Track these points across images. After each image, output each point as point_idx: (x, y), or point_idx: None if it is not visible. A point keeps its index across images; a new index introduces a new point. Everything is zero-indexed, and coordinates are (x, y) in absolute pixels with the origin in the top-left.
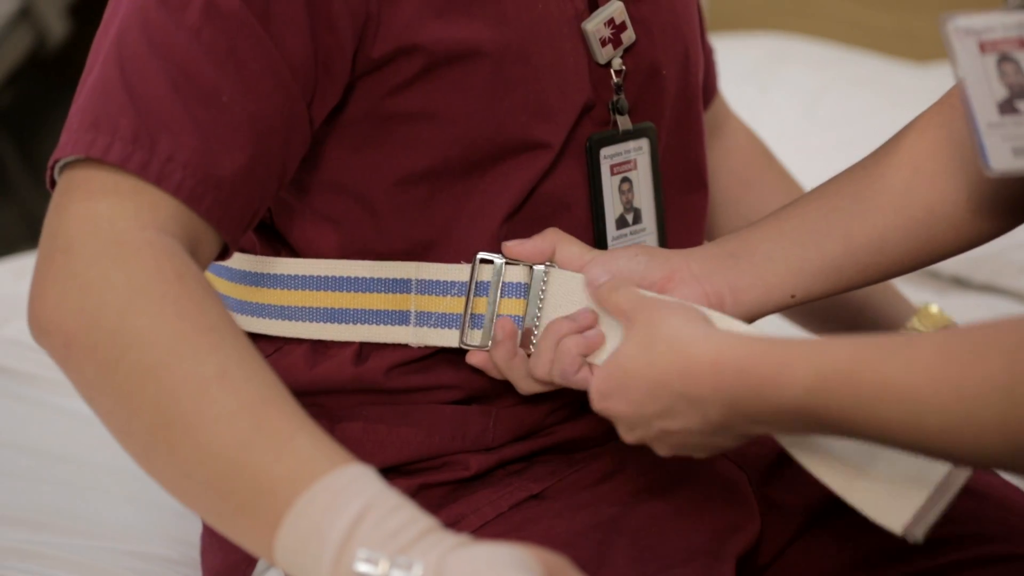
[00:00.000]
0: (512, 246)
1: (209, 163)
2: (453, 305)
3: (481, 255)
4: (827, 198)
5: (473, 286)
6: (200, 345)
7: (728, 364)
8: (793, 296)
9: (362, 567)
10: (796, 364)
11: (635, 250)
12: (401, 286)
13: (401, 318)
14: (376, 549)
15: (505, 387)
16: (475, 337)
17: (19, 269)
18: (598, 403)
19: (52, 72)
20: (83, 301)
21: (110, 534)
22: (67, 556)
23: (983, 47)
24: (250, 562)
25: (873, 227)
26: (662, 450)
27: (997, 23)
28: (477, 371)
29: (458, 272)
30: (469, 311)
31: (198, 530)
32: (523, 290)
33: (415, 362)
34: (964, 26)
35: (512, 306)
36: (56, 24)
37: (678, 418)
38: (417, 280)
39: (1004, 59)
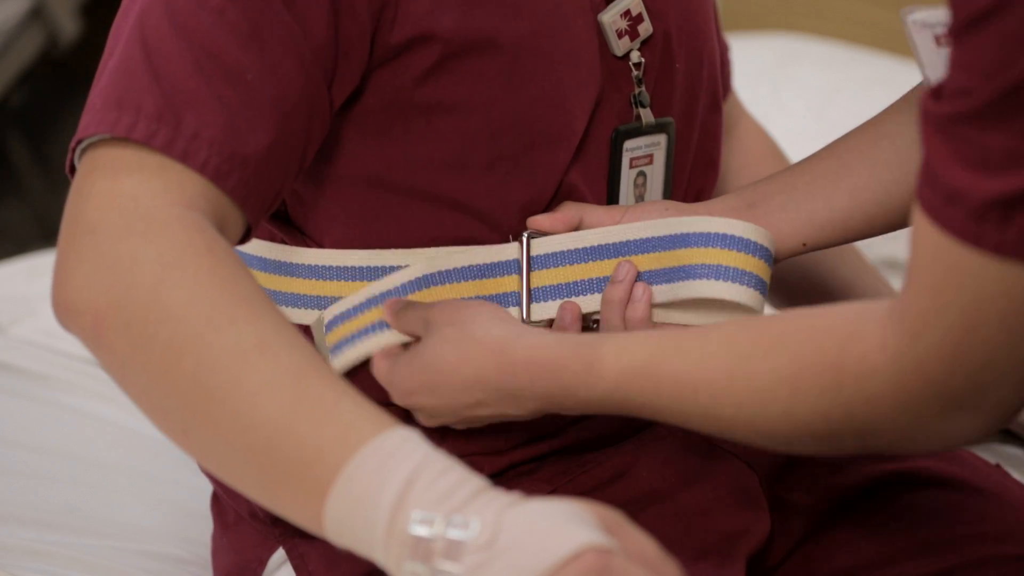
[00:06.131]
0: (540, 219)
1: (234, 142)
2: (501, 285)
3: (528, 232)
4: (837, 155)
5: (526, 262)
6: (237, 315)
7: (542, 363)
8: (804, 244)
9: (418, 529)
10: (602, 363)
11: (663, 204)
12: (443, 279)
13: None
14: (430, 510)
15: None
16: (546, 310)
17: (31, 269)
18: (402, 399)
19: (64, 72)
20: (113, 279)
21: (121, 534)
22: (78, 556)
23: (937, 40)
24: (261, 561)
25: (878, 182)
26: (460, 426)
27: (946, 19)
28: None
29: (500, 252)
30: (527, 287)
31: (209, 530)
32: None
33: None
34: (921, 20)
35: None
36: (68, 24)
37: (491, 407)
38: (464, 267)
39: None
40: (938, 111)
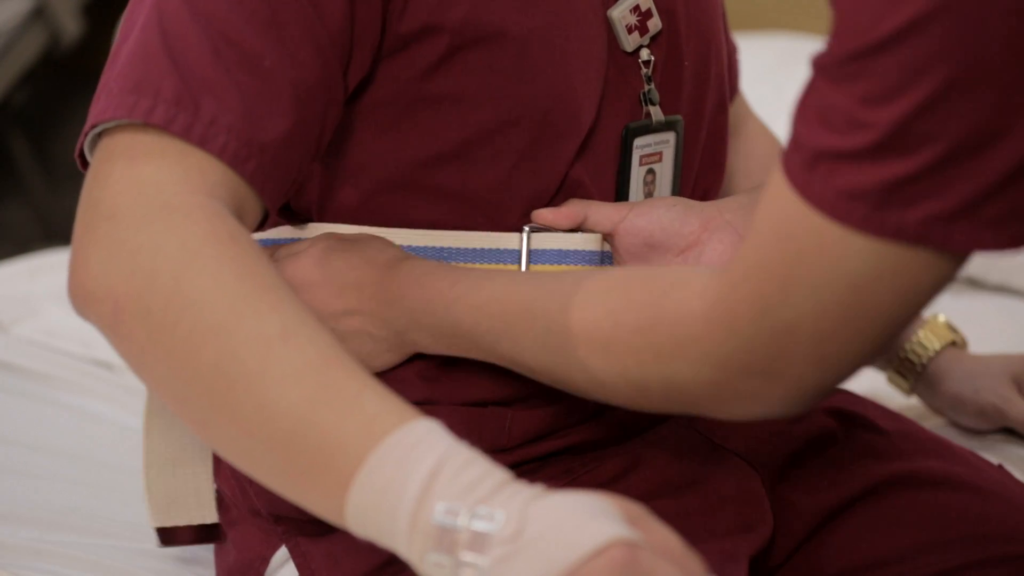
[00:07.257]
0: (544, 213)
1: (252, 127)
2: None
3: (529, 226)
4: None
5: (526, 255)
6: (261, 304)
7: (416, 273)
8: None
9: (442, 520)
10: (467, 281)
11: (671, 200)
12: (438, 255)
13: None
14: (455, 502)
15: (522, 390)
16: None
17: (32, 268)
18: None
19: (66, 72)
20: (133, 266)
21: (123, 533)
22: (81, 555)
23: None
24: (264, 559)
25: None
26: None
27: None
28: (495, 376)
29: (501, 240)
30: None
31: None
32: (569, 257)
33: (443, 367)
34: None
35: None
36: (70, 23)
37: (360, 319)
38: (461, 248)
39: None
40: (814, 63)
